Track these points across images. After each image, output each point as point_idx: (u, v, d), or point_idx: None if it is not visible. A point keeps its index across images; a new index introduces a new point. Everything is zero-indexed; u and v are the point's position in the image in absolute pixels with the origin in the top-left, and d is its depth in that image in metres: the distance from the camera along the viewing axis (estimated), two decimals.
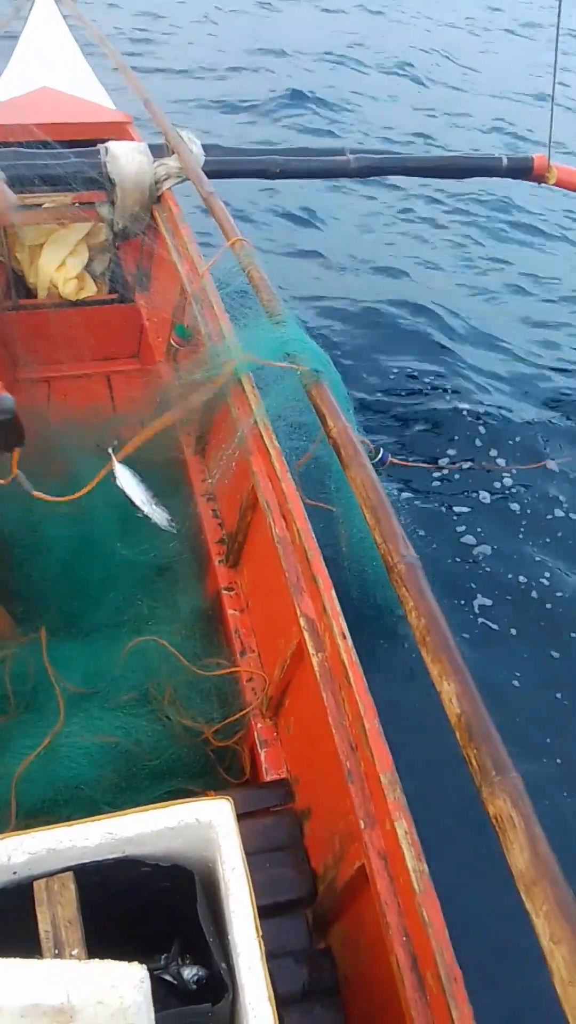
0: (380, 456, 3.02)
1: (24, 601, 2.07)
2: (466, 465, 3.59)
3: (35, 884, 1.00)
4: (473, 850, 2.15)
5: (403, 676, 2.38)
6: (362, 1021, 1.38)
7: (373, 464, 1.60)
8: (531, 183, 3.98)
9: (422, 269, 5.47)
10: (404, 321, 4.73)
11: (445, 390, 4.17)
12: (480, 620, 2.91)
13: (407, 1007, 1.14)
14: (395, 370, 4.32)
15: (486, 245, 5.96)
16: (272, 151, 3.67)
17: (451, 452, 3.70)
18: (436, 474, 3.52)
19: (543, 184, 3.90)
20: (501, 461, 3.65)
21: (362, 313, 4.74)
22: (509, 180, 4.09)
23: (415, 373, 4.31)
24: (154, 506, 1.96)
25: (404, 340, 4.56)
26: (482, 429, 3.84)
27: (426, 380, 4.27)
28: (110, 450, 2.01)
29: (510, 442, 3.79)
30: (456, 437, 3.80)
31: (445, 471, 3.53)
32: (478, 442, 3.78)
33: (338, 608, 1.55)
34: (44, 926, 0.97)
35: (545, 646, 2.84)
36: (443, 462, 3.59)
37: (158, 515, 1.96)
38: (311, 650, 1.56)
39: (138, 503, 1.95)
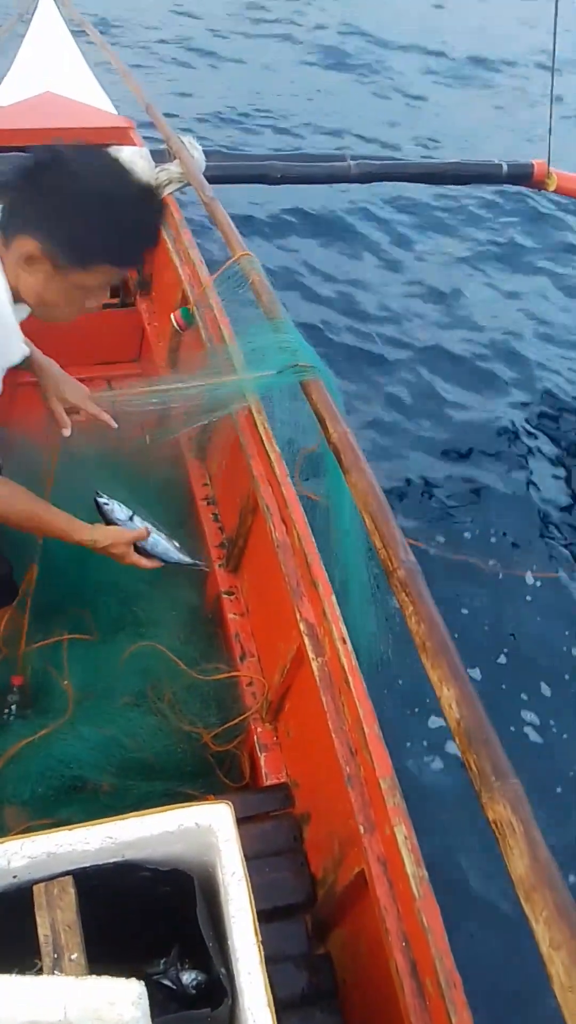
0: None
1: (23, 605, 2.07)
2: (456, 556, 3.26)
3: (34, 888, 1.00)
4: (473, 856, 2.15)
5: (403, 682, 2.38)
6: None
7: None
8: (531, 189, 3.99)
9: None
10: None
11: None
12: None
13: (406, 1012, 1.14)
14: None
15: None
16: (273, 157, 3.69)
17: (453, 537, 3.38)
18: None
19: (543, 191, 3.91)
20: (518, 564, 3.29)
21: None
22: None
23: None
24: (181, 555, 1.91)
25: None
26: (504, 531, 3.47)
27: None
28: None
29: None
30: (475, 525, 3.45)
31: (433, 551, 3.23)
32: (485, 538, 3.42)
33: (338, 613, 1.55)
34: (43, 930, 0.97)
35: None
36: (439, 542, 3.30)
37: (186, 561, 1.92)
38: (311, 655, 1.56)
39: (175, 560, 1.89)
